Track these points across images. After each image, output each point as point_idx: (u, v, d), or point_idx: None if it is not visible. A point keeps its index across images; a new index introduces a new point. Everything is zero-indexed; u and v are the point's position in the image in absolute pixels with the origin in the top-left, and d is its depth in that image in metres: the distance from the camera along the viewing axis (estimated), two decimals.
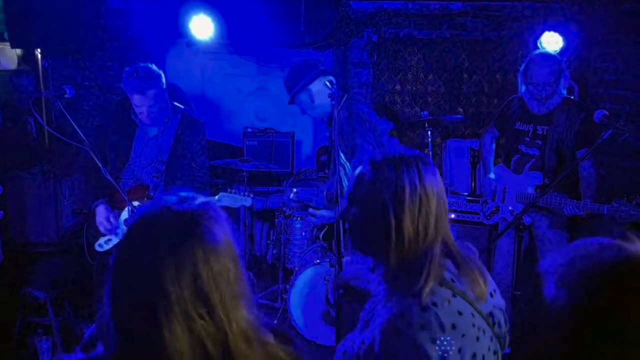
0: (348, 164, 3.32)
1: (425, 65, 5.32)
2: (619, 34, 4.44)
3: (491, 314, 1.54)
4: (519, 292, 3.07)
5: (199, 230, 1.16)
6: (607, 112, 2.89)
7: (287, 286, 4.23)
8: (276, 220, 4.71)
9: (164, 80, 3.38)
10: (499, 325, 1.56)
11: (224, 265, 1.17)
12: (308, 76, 3.33)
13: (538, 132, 3.57)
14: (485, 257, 3.94)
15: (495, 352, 1.53)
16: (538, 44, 4.49)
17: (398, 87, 5.34)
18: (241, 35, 4.95)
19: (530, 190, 3.54)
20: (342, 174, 3.37)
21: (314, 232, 3.65)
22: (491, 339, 1.51)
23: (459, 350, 1.42)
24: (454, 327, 1.43)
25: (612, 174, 4.31)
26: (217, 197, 3.36)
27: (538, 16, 5.06)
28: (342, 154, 3.34)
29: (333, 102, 2.84)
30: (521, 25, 5.13)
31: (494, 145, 3.99)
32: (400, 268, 1.53)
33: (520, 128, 3.65)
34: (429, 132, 4.14)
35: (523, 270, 3.35)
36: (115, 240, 3.49)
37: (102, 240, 3.49)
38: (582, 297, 0.93)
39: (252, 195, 3.48)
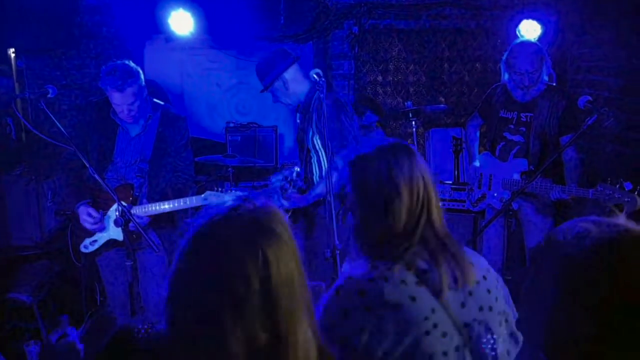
0: (323, 150, 3.36)
1: (406, 56, 5.34)
2: (596, 20, 4.51)
3: (468, 325, 1.52)
4: (510, 277, 3.12)
5: (269, 231, 1.12)
6: (591, 98, 2.94)
7: None
8: None
9: (142, 77, 3.34)
10: (477, 341, 1.52)
11: (291, 269, 1.13)
12: (283, 64, 3.36)
13: (522, 119, 3.62)
14: (471, 244, 3.98)
15: None
16: (517, 32, 4.53)
17: (380, 78, 5.35)
18: (221, 30, 4.90)
19: (516, 176, 3.59)
20: (314, 160, 3.46)
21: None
22: (456, 348, 1.49)
23: (397, 332, 1.43)
24: (397, 307, 1.44)
25: (592, 158, 4.38)
26: (203, 195, 3.32)
27: (516, 4, 5.10)
28: (318, 141, 3.39)
29: (322, 95, 2.84)
30: (499, 14, 5.17)
31: (478, 133, 4.05)
32: (378, 244, 1.55)
33: (505, 116, 3.70)
34: (413, 122, 4.16)
35: (511, 254, 3.40)
36: (101, 241, 3.45)
37: (87, 241, 3.45)
38: (592, 273, 0.96)
39: (239, 194, 3.44)
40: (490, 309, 1.56)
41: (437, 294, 1.48)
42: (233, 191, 3.37)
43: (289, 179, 3.22)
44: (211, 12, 4.64)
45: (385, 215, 1.52)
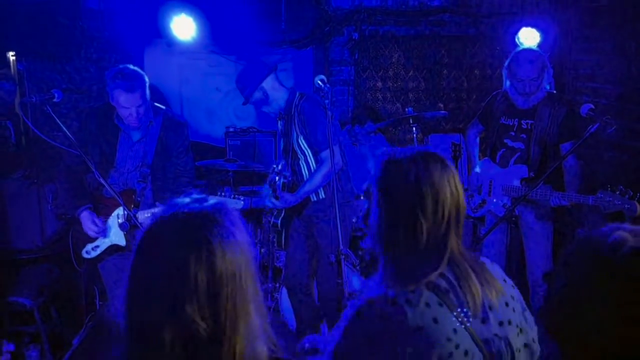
0: (309, 150, 3.54)
1: (406, 62, 5.37)
2: (596, 28, 4.55)
3: (488, 342, 1.49)
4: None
5: (216, 227, 1.18)
6: (593, 106, 2.97)
7: (277, 284, 4.24)
8: (263, 219, 4.71)
9: (147, 79, 3.37)
10: (498, 356, 1.49)
11: (239, 263, 1.18)
12: (260, 75, 3.52)
13: (522, 126, 3.66)
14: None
15: None
16: (516, 40, 4.57)
17: (379, 84, 5.38)
18: (223, 35, 4.92)
19: (516, 182, 3.62)
20: (302, 161, 3.60)
21: (272, 219, 3.67)
22: None
23: (420, 355, 1.40)
24: (420, 330, 1.40)
25: (591, 165, 4.42)
26: None
27: (514, 12, 5.15)
28: (304, 142, 3.52)
29: (327, 101, 2.87)
30: (498, 21, 5.22)
31: (478, 140, 4.08)
32: (400, 262, 1.52)
33: (505, 122, 3.73)
34: (414, 128, 4.19)
35: (512, 261, 3.43)
36: (103, 247, 3.44)
37: (89, 246, 3.45)
38: (628, 279, 1.01)
39: (242, 198, 3.48)
40: (510, 322, 1.54)
41: (460, 316, 1.45)
42: (238, 198, 3.39)
43: (275, 170, 3.39)
44: (213, 17, 4.66)
45: (407, 224, 1.50)
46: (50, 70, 5.04)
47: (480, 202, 3.84)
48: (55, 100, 3.11)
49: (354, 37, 5.18)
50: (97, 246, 3.44)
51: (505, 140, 3.72)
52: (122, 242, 3.41)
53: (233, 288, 1.16)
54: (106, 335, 3.49)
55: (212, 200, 1.27)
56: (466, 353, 1.44)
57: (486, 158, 3.88)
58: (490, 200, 3.78)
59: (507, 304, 1.55)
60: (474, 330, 1.46)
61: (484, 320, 1.49)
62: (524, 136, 3.64)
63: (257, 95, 3.56)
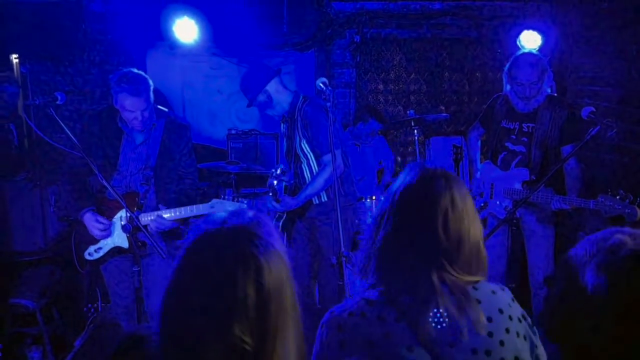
0: (312, 154, 3.57)
1: (407, 65, 5.39)
2: (597, 30, 4.56)
3: None
4: (514, 285, 3.14)
5: (258, 241, 1.16)
6: (594, 109, 2.97)
7: None
8: None
9: (151, 83, 3.38)
10: None
11: (281, 274, 1.17)
12: (264, 78, 3.55)
13: (524, 129, 3.66)
14: None
15: None
16: (517, 43, 4.58)
17: (381, 86, 5.40)
18: (225, 38, 4.94)
19: (517, 185, 3.63)
20: (304, 164, 3.63)
21: (274, 222, 3.70)
22: None
23: None
24: (370, 344, 1.41)
25: (591, 167, 4.43)
26: (210, 203, 3.34)
27: (516, 15, 5.17)
28: (306, 145, 3.55)
29: (328, 104, 2.88)
30: (500, 24, 5.23)
31: (479, 143, 4.09)
32: (371, 275, 1.53)
33: (506, 126, 3.74)
34: (415, 131, 4.20)
35: (513, 262, 3.44)
36: (105, 249, 3.45)
37: (91, 248, 3.45)
38: (626, 281, 1.02)
39: (245, 201, 3.49)
40: (488, 353, 1.43)
41: (418, 331, 1.41)
42: (241, 201, 3.39)
43: (274, 175, 3.37)
44: (215, 20, 4.68)
45: (376, 239, 1.50)
46: (53, 73, 5.06)
47: (482, 204, 3.85)
48: (58, 102, 3.11)
49: (355, 40, 5.20)
50: (100, 248, 3.45)
51: (506, 144, 3.73)
52: (125, 244, 3.41)
53: (277, 301, 1.15)
54: (108, 336, 3.50)
55: (250, 213, 1.25)
56: None
57: (487, 161, 3.89)
58: (492, 203, 3.79)
59: (490, 335, 1.45)
60: (436, 351, 1.41)
61: (452, 344, 1.42)
62: (525, 139, 3.65)
63: (261, 98, 3.58)
